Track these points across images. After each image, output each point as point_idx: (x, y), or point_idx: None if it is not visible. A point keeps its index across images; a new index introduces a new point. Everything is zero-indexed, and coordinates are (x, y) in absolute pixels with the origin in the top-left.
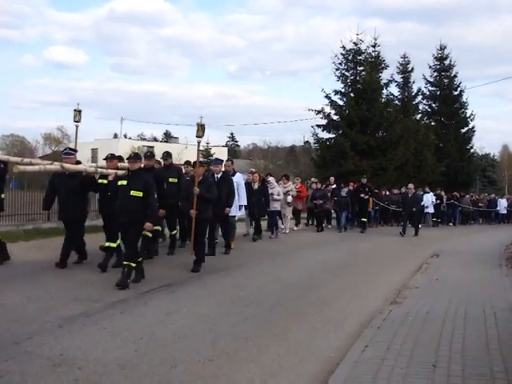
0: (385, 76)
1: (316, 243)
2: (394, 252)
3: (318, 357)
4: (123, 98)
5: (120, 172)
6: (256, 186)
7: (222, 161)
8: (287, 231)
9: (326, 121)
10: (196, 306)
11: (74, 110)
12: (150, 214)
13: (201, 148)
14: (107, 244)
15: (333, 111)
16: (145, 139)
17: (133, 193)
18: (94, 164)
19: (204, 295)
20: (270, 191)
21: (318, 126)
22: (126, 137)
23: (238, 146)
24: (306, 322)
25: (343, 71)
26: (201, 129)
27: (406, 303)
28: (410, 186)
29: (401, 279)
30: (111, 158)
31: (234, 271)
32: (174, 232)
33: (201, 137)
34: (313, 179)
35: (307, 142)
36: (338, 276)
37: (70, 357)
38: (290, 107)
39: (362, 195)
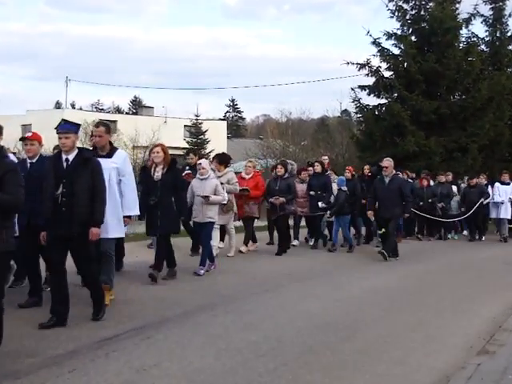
0: (464, 8)
1: (331, 268)
2: (475, 275)
3: None
4: (69, 48)
5: None
6: (159, 174)
7: (76, 127)
8: (232, 253)
9: (373, 79)
10: (184, 358)
11: None
12: None
13: (187, 122)
14: None
15: (384, 64)
16: (102, 110)
17: None
18: None
19: (195, 342)
20: (198, 186)
21: (362, 87)
22: (73, 107)
23: (243, 118)
24: (349, 379)
25: (400, 3)
26: None
27: (504, 353)
28: (386, 162)
29: (492, 316)
30: None
31: (238, 305)
32: None
33: None
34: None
35: (345, 111)
36: (391, 311)
37: None
38: (320, 60)
39: None
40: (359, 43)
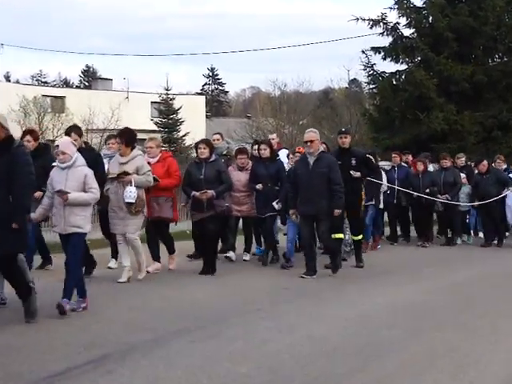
0: None
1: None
2: None
3: None
4: (1, 5)
5: None
6: None
7: None
8: (142, 275)
9: (389, 39)
10: None
11: None
12: None
13: (155, 98)
14: None
15: (403, 20)
16: (46, 83)
17: None
18: None
19: (170, 376)
20: (57, 179)
21: (376, 49)
22: (8, 79)
23: (226, 92)
24: None
25: None
26: None
27: None
28: (310, 134)
29: None
30: None
31: (222, 328)
32: None
33: None
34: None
35: (354, 81)
36: (414, 333)
37: None
38: (321, 16)
39: (352, 172)
40: None
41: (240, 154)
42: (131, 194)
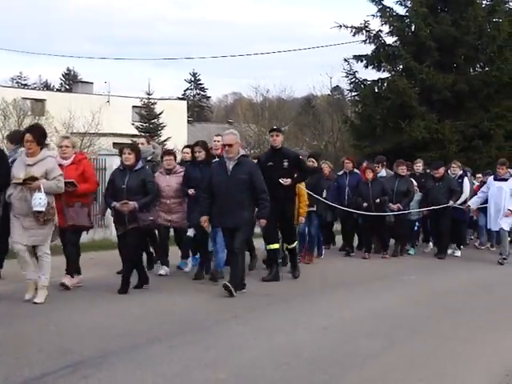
0: None
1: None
2: (498, 298)
3: None
4: None
5: None
6: None
7: None
8: (41, 299)
9: (372, 47)
10: None
11: None
12: None
13: (136, 103)
14: None
15: (386, 28)
16: (26, 86)
17: None
18: None
19: (148, 381)
20: None
21: (358, 57)
22: None
23: (207, 97)
24: None
25: None
26: None
27: None
28: (229, 137)
29: None
30: None
31: (201, 334)
32: None
33: None
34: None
35: (336, 88)
36: (394, 341)
37: None
38: (304, 23)
39: (281, 180)
40: (354, 1)
41: (167, 155)
42: (40, 201)
